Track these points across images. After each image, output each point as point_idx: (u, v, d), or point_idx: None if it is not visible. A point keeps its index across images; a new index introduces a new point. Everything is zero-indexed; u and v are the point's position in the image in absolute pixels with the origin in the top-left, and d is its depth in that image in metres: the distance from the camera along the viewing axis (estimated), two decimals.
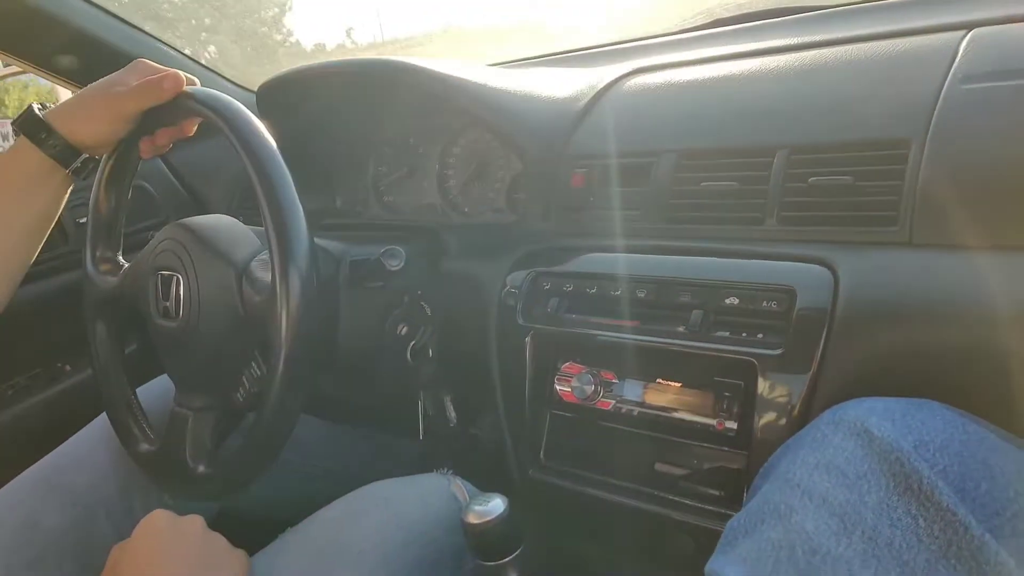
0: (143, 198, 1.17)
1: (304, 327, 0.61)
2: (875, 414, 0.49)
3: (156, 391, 0.89)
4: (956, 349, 0.60)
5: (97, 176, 0.79)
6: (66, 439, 0.85)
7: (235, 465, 0.68)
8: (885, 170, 0.67)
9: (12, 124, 0.74)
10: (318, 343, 0.66)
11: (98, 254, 0.82)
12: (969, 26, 0.75)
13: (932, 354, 0.61)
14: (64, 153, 0.73)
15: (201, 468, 0.71)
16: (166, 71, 0.72)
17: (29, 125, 0.72)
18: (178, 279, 0.71)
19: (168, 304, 0.72)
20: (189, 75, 0.73)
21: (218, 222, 0.75)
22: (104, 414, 0.83)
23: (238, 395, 0.73)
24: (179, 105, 0.71)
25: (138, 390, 0.82)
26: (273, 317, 0.61)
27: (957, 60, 0.70)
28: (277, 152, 0.64)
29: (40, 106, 0.74)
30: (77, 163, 0.74)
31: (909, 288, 0.62)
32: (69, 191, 0.77)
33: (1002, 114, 0.64)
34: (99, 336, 0.82)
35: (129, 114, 0.73)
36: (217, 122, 0.66)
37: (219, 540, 0.64)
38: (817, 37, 0.87)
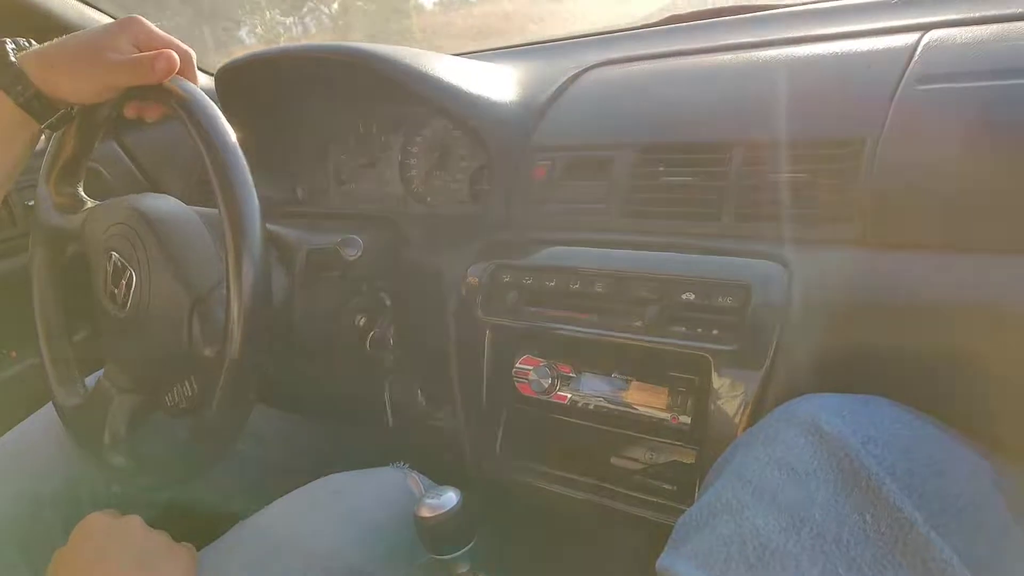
0: (96, 181, 1.14)
1: (255, 322, 0.60)
2: (825, 410, 0.50)
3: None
4: (907, 347, 0.61)
5: (50, 146, 0.77)
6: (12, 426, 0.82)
7: (189, 458, 0.66)
8: (840, 169, 0.68)
9: None
10: (271, 337, 0.64)
11: (55, 188, 0.78)
12: (926, 28, 0.76)
13: (883, 352, 0.62)
14: (38, 107, 0.66)
15: (119, 459, 0.70)
16: (160, 49, 0.66)
17: (6, 77, 0.64)
18: (131, 274, 0.69)
19: (116, 291, 0.70)
20: (182, 50, 0.68)
21: (176, 221, 0.73)
22: (44, 408, 0.81)
23: (166, 400, 0.71)
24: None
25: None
26: (226, 313, 0.60)
27: (913, 61, 0.71)
28: (235, 143, 0.63)
29: (12, 45, 0.66)
30: (52, 119, 0.68)
31: (861, 287, 0.63)
32: (36, 145, 0.70)
33: (956, 115, 0.65)
34: (39, 266, 0.79)
35: (115, 86, 0.67)
36: (177, 111, 0.64)
37: (160, 537, 0.63)
38: (776, 35, 0.88)
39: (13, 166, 0.69)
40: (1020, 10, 0.73)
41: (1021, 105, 0.62)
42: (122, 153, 1.18)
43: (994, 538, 0.44)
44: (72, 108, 0.69)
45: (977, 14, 0.75)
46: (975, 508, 0.45)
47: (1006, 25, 0.71)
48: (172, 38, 0.68)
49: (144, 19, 0.68)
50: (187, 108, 0.63)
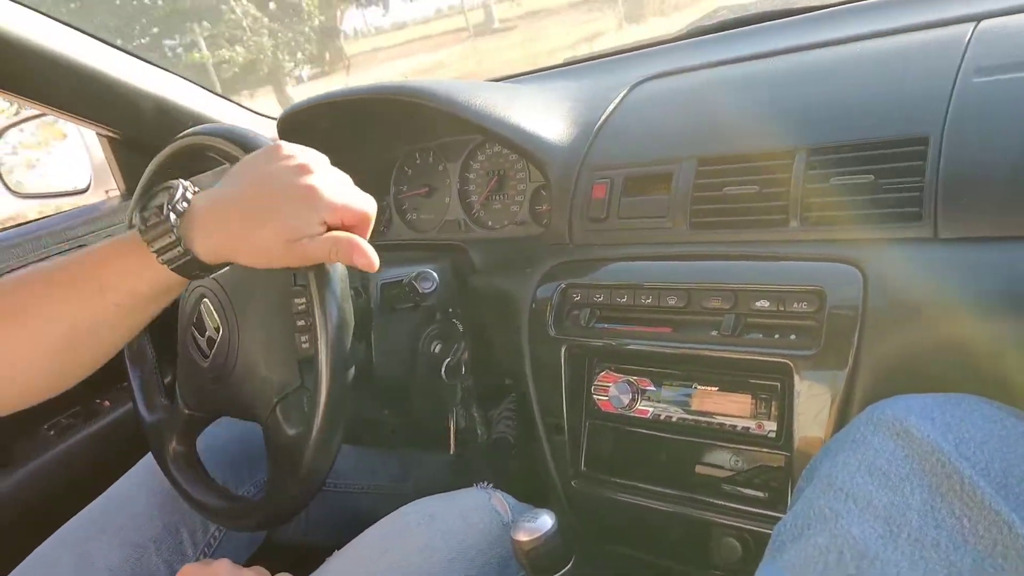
0: None
1: (342, 356, 0.62)
2: (913, 413, 0.50)
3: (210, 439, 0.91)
4: (989, 341, 0.61)
5: (127, 223, 0.81)
6: (111, 473, 0.87)
7: (281, 496, 0.69)
8: (905, 167, 0.68)
9: (136, 224, 0.56)
10: (356, 379, 0.66)
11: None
12: (976, 19, 0.76)
13: (966, 347, 0.62)
14: (194, 269, 0.57)
15: (294, 430, 0.70)
16: (348, 236, 0.57)
17: (164, 243, 0.55)
18: (220, 329, 0.73)
19: (201, 341, 0.74)
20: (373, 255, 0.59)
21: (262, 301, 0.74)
22: (145, 458, 0.86)
23: (302, 346, 0.71)
24: (207, 148, 0.72)
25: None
26: (313, 352, 0.62)
27: (967, 54, 0.71)
28: None
29: (169, 208, 0.55)
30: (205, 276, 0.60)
31: (938, 283, 0.63)
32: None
33: (1015, 106, 0.65)
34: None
35: (311, 261, 0.58)
36: (240, 156, 0.67)
37: (248, 573, 0.65)
38: (823, 37, 0.88)
39: (153, 315, 0.62)
40: None
41: None
42: None
43: None
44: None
45: None
46: None
47: None
48: (353, 195, 0.59)
49: (322, 193, 0.56)
50: (238, 145, 0.67)
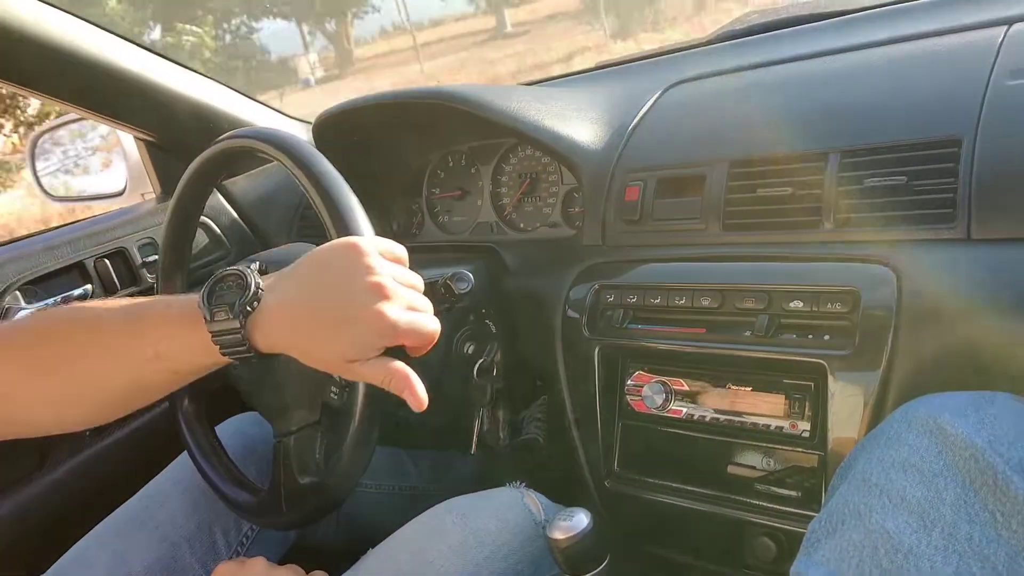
0: (205, 234, 1.22)
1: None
2: (947, 410, 0.51)
3: (231, 431, 0.92)
4: (1020, 340, 0.61)
5: (165, 220, 0.82)
6: (146, 472, 0.88)
7: (325, 486, 0.70)
8: (938, 168, 0.69)
9: (201, 308, 0.56)
10: None
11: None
12: (1008, 22, 0.76)
13: (999, 346, 0.62)
14: (253, 361, 0.57)
15: (307, 479, 0.71)
16: (410, 373, 0.56)
17: (229, 338, 0.55)
18: None
19: None
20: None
21: (290, 252, 0.77)
22: (181, 456, 0.87)
23: (331, 395, 0.73)
24: (246, 151, 0.74)
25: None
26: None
27: (999, 57, 0.72)
28: (341, 179, 0.66)
29: (240, 307, 0.55)
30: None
31: (971, 283, 0.64)
32: None
33: None
34: (182, 404, 0.83)
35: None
36: (279, 158, 0.69)
37: (286, 572, 0.67)
38: (854, 41, 0.89)
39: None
40: None
41: None
42: (227, 204, 1.26)
43: None
44: None
45: None
46: None
47: None
48: (420, 319, 0.56)
49: (396, 322, 0.54)
50: (293, 159, 0.68)
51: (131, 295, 1.16)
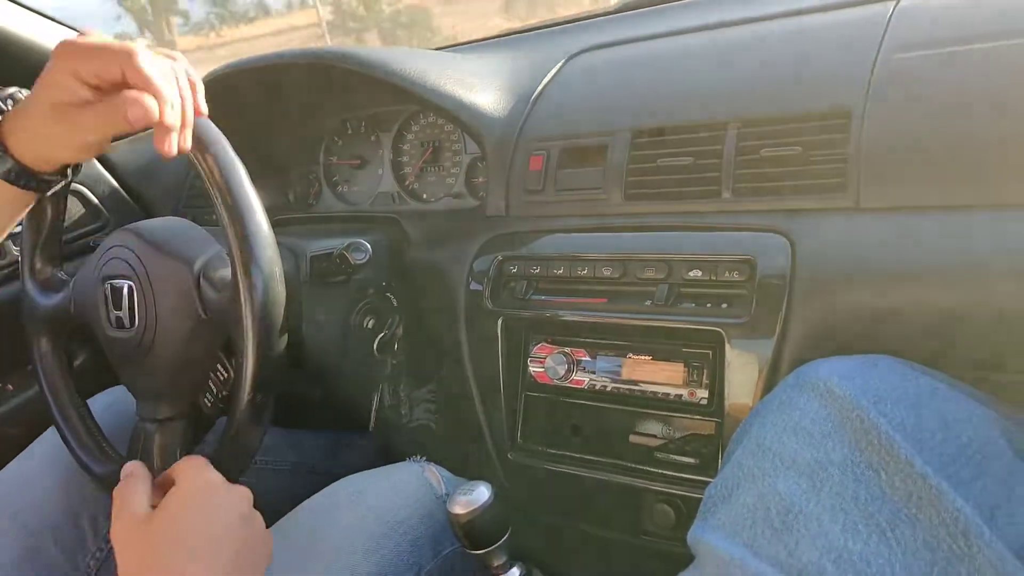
0: (81, 203, 1.13)
1: (270, 327, 0.60)
2: (836, 374, 0.52)
3: (108, 405, 0.86)
4: (908, 306, 0.64)
5: None
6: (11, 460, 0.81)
7: None
8: (830, 139, 0.70)
9: None
10: (284, 343, 0.64)
11: (37, 268, 0.77)
12: None
13: (887, 313, 0.64)
14: (23, 178, 0.59)
15: None
16: (124, 92, 0.54)
17: None
18: (130, 287, 0.68)
19: (120, 314, 0.69)
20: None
21: (169, 223, 0.73)
22: (44, 435, 0.80)
23: (205, 400, 0.72)
24: None
25: (88, 403, 0.79)
26: (237, 317, 0.60)
27: (888, 30, 0.74)
28: (228, 144, 0.62)
29: None
30: (54, 189, 0.62)
31: (860, 252, 0.66)
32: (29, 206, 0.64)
33: (933, 81, 0.67)
34: (44, 355, 0.77)
35: (94, 143, 0.58)
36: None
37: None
38: (752, 12, 0.89)
39: (7, 227, 0.64)
40: None
41: (992, 67, 0.65)
42: (105, 172, 1.17)
43: (1004, 482, 0.47)
44: (68, 170, 0.63)
45: None
46: (983, 456, 0.47)
47: None
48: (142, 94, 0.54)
49: (75, 41, 0.54)
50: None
51: None
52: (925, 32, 0.72)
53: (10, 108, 0.59)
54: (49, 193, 0.62)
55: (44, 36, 1.03)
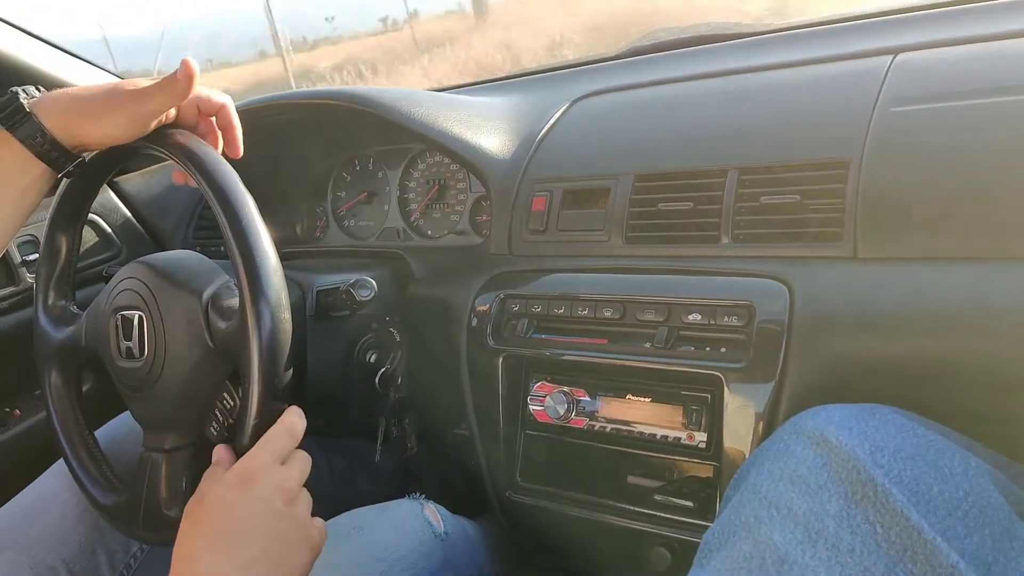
0: (95, 232, 1.14)
1: (277, 355, 0.61)
2: (832, 423, 0.52)
3: (115, 434, 0.86)
4: (906, 356, 0.64)
5: (49, 215, 0.77)
6: (19, 489, 0.81)
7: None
8: (828, 189, 0.71)
9: None
10: (291, 372, 0.64)
11: (50, 302, 0.78)
12: (894, 51, 0.81)
13: (885, 362, 0.65)
14: (57, 157, 0.64)
15: (175, 512, 0.68)
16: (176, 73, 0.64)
17: (16, 121, 0.62)
18: (140, 317, 0.69)
19: (130, 344, 0.70)
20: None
21: (180, 255, 0.74)
22: (58, 463, 0.80)
23: (211, 430, 0.72)
24: (136, 144, 0.69)
25: (95, 433, 0.79)
26: (244, 346, 0.60)
27: (885, 84, 0.75)
28: (237, 177, 0.64)
29: (23, 92, 0.64)
30: (70, 167, 0.66)
31: (856, 300, 0.67)
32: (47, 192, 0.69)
33: (928, 135, 0.69)
34: (54, 387, 0.77)
35: (147, 115, 0.64)
36: (169, 155, 0.65)
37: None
38: (755, 62, 0.92)
39: (25, 214, 0.68)
40: (978, 33, 0.78)
41: (987, 122, 0.66)
42: (119, 202, 1.19)
43: (999, 538, 0.46)
44: (85, 155, 0.69)
45: (939, 37, 0.80)
46: (980, 511, 0.47)
47: (968, 47, 0.76)
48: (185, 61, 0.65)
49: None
50: (190, 158, 0.64)
51: (9, 296, 1.08)
52: (921, 87, 0.73)
53: (38, 95, 0.64)
54: (61, 175, 0.67)
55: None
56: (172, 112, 0.67)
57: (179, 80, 0.63)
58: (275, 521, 0.57)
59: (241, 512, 0.57)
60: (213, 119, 0.70)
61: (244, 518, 0.56)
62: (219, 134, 0.71)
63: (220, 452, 0.63)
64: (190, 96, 0.66)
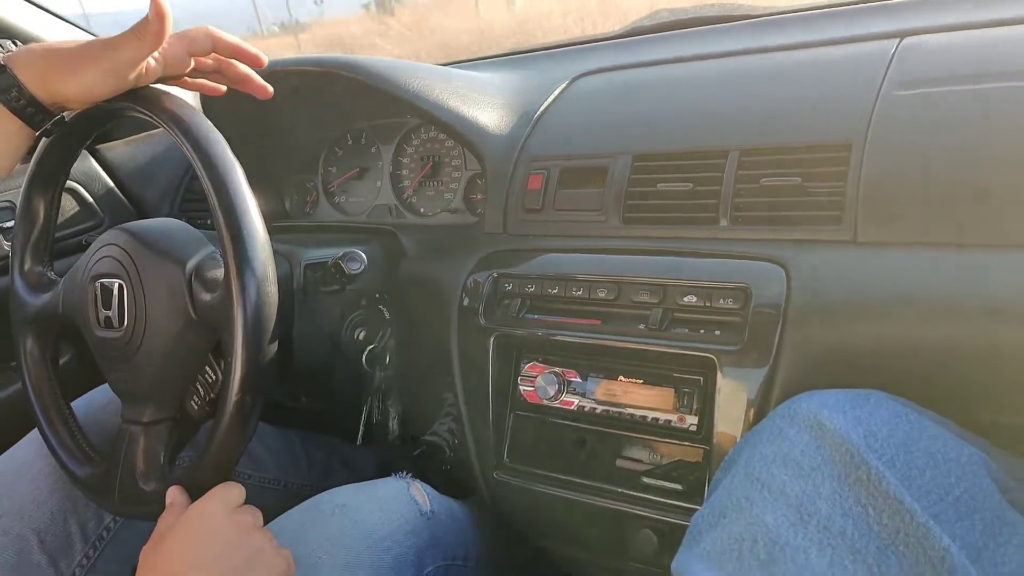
0: (75, 201, 1.12)
1: (262, 329, 0.60)
2: (826, 407, 0.52)
3: (92, 404, 0.84)
4: (902, 342, 0.63)
5: (26, 179, 0.74)
6: None
7: (191, 479, 0.65)
8: (830, 172, 0.70)
9: None
10: (276, 346, 0.63)
11: (26, 267, 0.76)
12: (900, 35, 0.79)
13: (880, 347, 0.64)
14: (34, 113, 0.62)
15: (152, 486, 0.67)
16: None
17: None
18: (120, 286, 0.67)
19: (110, 313, 0.68)
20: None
21: (163, 224, 0.72)
22: (32, 433, 0.79)
23: (192, 403, 0.71)
24: (119, 106, 0.67)
25: (72, 404, 0.78)
26: (228, 318, 0.59)
27: (891, 67, 0.74)
28: (226, 144, 0.62)
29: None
30: (48, 126, 0.64)
31: (854, 285, 0.66)
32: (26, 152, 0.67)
33: (933, 119, 0.68)
34: (30, 354, 0.76)
35: (123, 64, 0.62)
36: (156, 119, 0.64)
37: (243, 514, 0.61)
38: (759, 43, 0.90)
39: (2, 175, 0.66)
40: (987, 18, 0.77)
41: (992, 108, 0.65)
42: (100, 170, 1.16)
43: (990, 524, 0.47)
44: (65, 115, 0.67)
45: (947, 21, 0.79)
46: (971, 496, 0.47)
47: (975, 32, 0.75)
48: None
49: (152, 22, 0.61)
50: (177, 123, 0.62)
51: None
52: (927, 71, 0.72)
53: (14, 49, 0.62)
54: (39, 133, 0.65)
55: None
56: (153, 63, 0.64)
57: (150, 22, 0.61)
58: (235, 552, 0.57)
59: (200, 549, 0.56)
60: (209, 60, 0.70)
61: (203, 554, 0.56)
62: (233, 62, 0.71)
63: (174, 494, 0.63)
64: (169, 40, 0.64)
